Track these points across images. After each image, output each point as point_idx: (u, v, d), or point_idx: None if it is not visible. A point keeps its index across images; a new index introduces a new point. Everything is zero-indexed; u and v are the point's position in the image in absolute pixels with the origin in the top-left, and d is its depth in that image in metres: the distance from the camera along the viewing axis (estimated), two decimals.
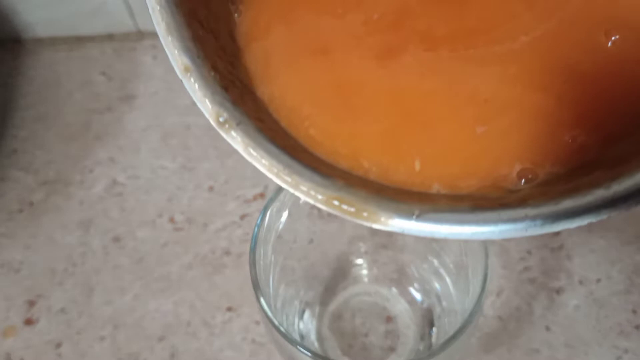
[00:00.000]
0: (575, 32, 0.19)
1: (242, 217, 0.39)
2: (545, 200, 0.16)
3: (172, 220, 0.40)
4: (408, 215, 0.16)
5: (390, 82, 0.19)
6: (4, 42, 0.48)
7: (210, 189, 0.41)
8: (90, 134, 0.44)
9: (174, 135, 0.43)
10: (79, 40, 0.48)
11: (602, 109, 0.18)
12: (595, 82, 0.18)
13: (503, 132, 0.18)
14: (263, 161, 0.17)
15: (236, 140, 0.17)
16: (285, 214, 0.29)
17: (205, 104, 0.17)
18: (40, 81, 0.46)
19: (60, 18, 0.46)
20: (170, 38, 0.17)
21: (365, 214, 0.16)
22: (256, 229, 0.26)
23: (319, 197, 0.16)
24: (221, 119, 0.17)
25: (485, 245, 0.26)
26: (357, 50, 0.20)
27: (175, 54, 0.17)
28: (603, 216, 0.15)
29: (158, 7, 0.17)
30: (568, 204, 0.15)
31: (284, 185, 0.17)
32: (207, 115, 0.17)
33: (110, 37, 0.48)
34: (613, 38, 0.18)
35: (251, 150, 0.17)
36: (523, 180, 0.17)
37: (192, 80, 0.17)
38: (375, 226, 0.16)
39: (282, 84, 0.19)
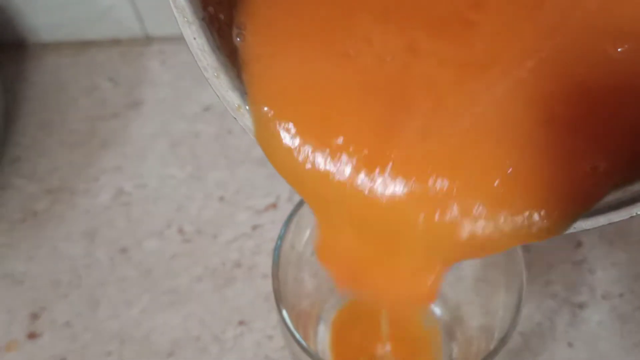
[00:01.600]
0: (580, 46, 0.18)
1: (254, 228, 0.38)
2: None
3: (180, 231, 0.38)
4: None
5: (412, 147, 0.18)
6: (7, 47, 0.47)
7: (221, 198, 0.39)
8: (96, 141, 0.42)
9: (183, 143, 0.42)
10: (85, 45, 0.47)
11: (616, 128, 0.17)
12: (605, 99, 0.17)
13: (523, 176, 0.17)
14: None
15: None
16: (306, 228, 0.28)
17: None
18: (44, 87, 0.45)
19: (66, 22, 0.45)
20: (218, 81, 0.18)
21: None
22: (279, 241, 0.25)
23: None
24: None
25: (520, 261, 0.25)
26: (366, 107, 0.18)
27: (226, 95, 0.18)
28: None
29: (202, 53, 0.17)
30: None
31: None
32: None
33: (117, 42, 0.47)
34: (619, 49, 0.18)
35: None
36: None
37: (246, 117, 0.18)
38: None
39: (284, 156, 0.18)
